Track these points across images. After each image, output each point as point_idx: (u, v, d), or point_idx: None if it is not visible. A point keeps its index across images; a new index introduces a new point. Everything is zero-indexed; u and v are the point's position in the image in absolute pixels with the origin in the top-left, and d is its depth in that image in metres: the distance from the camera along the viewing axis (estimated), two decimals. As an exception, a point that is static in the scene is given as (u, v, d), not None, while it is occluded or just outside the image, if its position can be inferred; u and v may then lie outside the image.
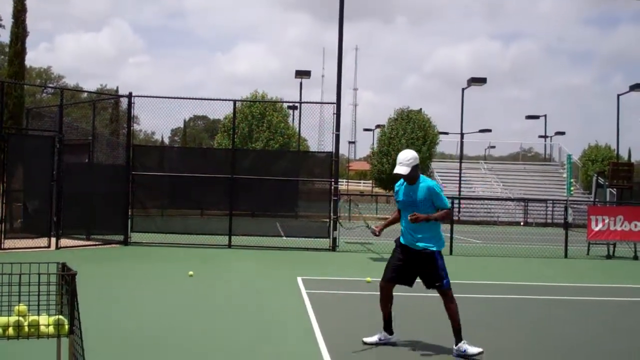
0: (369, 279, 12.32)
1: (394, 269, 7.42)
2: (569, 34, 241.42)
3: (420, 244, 7.19)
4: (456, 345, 7.07)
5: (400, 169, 7.22)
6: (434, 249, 7.20)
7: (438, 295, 7.21)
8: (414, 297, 9.63)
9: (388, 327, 7.50)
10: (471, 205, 43.48)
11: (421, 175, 7.36)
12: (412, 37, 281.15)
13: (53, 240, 16.47)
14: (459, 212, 39.26)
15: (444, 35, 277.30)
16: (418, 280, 7.41)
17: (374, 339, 7.42)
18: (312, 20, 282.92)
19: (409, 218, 7.09)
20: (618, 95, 40.01)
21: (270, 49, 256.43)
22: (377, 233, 7.57)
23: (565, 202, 22.39)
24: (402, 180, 7.45)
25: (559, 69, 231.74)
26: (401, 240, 7.41)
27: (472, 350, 7.00)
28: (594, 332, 8.71)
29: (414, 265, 7.29)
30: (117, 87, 60.29)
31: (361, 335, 7.74)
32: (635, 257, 19.18)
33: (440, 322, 7.74)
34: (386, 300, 7.48)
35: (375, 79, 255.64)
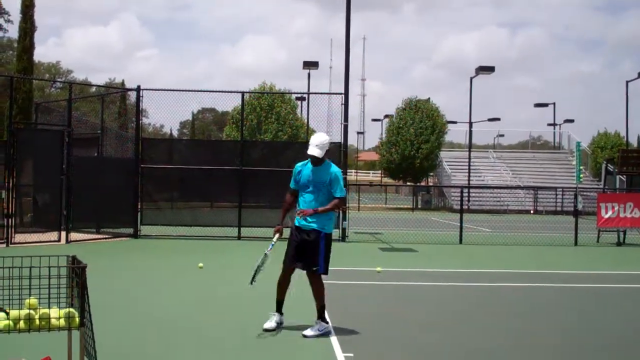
0: (379, 268, 12.33)
1: (292, 256, 7.53)
2: (577, 21, 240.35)
3: (312, 225, 7.40)
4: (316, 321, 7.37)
5: (315, 151, 7.34)
6: (323, 231, 7.43)
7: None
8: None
9: (280, 309, 7.63)
10: (480, 194, 43.40)
11: (327, 160, 7.53)
12: (419, 27, 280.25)
13: (63, 234, 16.52)
14: (468, 201, 39.21)
15: (452, 24, 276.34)
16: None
17: (272, 324, 7.46)
18: (319, 11, 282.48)
19: (297, 214, 7.35)
20: (627, 82, 39.82)
21: (278, 41, 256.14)
22: (281, 232, 7.67)
23: (574, 189, 22.33)
24: (306, 161, 7.57)
25: (567, 57, 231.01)
26: (296, 222, 7.55)
27: (311, 332, 7.24)
28: (604, 319, 8.69)
29: (304, 244, 7.45)
30: (123, 80, 60.33)
31: (372, 325, 7.75)
32: (646, 244, 19.13)
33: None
34: (285, 286, 7.66)
35: (383, 69, 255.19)
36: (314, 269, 7.38)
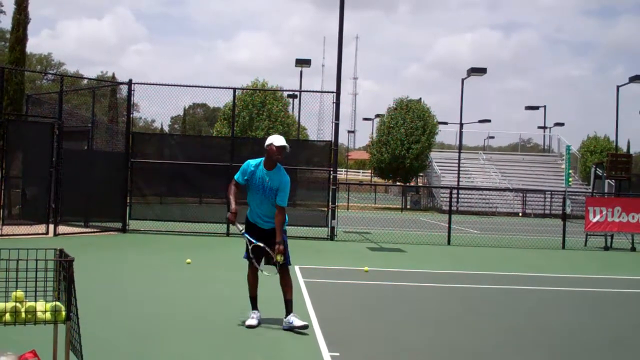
0: (366, 268, 12.35)
1: (257, 255, 7.59)
2: (570, 25, 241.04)
3: (270, 225, 7.50)
4: (286, 317, 7.42)
5: (286, 144, 7.45)
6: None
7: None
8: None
9: (256, 305, 7.68)
10: (470, 196, 43.52)
11: (279, 165, 7.56)
12: (413, 27, 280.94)
13: (51, 227, 16.47)
14: (457, 202, 39.29)
15: (445, 25, 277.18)
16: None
17: (254, 321, 7.49)
18: (314, 9, 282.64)
19: (277, 259, 7.38)
20: (617, 87, 39.96)
21: (272, 37, 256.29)
22: (235, 220, 7.65)
23: (563, 193, 22.42)
24: (258, 161, 7.58)
25: (559, 60, 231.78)
26: (250, 219, 7.70)
27: (298, 322, 7.31)
28: (591, 323, 8.73)
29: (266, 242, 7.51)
30: (113, 74, 60.13)
31: (359, 324, 7.77)
32: (633, 249, 19.21)
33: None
34: (256, 281, 7.73)
35: (376, 68, 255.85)
36: (284, 263, 7.48)
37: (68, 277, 4.40)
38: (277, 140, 7.47)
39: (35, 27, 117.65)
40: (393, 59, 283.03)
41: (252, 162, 7.61)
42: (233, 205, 7.55)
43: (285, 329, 7.33)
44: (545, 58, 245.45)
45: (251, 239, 7.55)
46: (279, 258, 7.35)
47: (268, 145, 7.52)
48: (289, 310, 7.45)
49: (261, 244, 7.49)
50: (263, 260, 7.58)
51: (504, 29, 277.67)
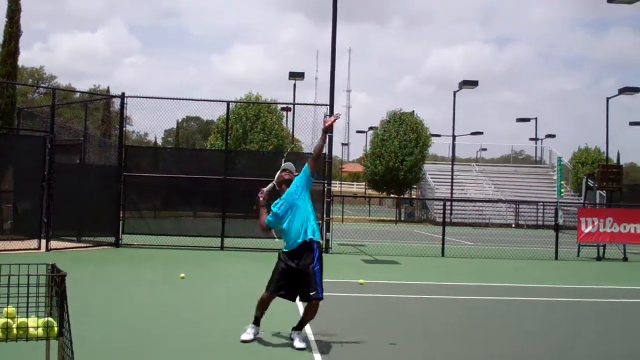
0: (361, 280, 12.32)
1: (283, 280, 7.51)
2: (562, 39, 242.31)
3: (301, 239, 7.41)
4: (292, 330, 7.46)
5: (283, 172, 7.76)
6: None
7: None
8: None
9: (258, 323, 7.58)
10: (463, 207, 43.58)
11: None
12: (406, 40, 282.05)
13: (43, 242, 16.37)
14: (450, 214, 39.34)
15: (439, 38, 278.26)
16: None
17: (249, 336, 7.41)
18: (308, 22, 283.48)
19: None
20: (607, 99, 40.16)
21: (266, 51, 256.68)
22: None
23: (555, 204, 22.45)
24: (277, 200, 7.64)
25: (551, 73, 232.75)
26: (287, 249, 7.52)
27: (298, 344, 7.21)
28: (585, 333, 8.73)
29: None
30: (108, 87, 59.94)
31: (353, 337, 7.74)
32: (625, 259, 19.24)
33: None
34: (265, 308, 7.63)
35: (369, 81, 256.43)
36: (312, 294, 7.25)
37: (60, 292, 4.36)
38: (288, 167, 7.84)
39: (27, 40, 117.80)
40: (386, 72, 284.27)
41: (274, 204, 7.64)
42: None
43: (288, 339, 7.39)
44: (537, 71, 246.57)
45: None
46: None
47: (279, 175, 7.79)
48: (298, 328, 7.43)
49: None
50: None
51: (496, 42, 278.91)
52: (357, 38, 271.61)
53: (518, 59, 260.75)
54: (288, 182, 7.60)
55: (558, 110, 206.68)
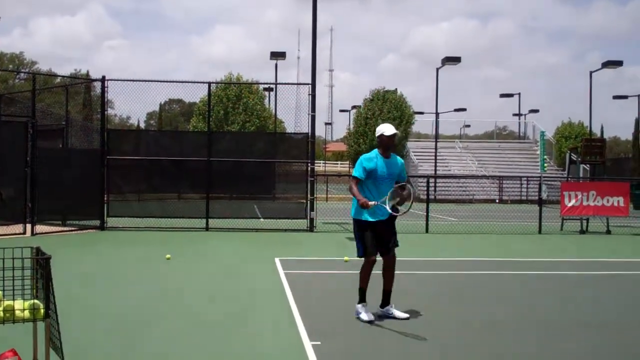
0: (346, 257, 12.39)
1: (375, 242, 7.64)
2: (545, 12, 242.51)
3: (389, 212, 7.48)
4: (384, 307, 7.82)
5: (393, 131, 7.69)
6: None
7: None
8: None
9: (364, 298, 7.75)
10: (447, 184, 43.70)
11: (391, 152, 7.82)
12: (388, 17, 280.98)
13: (28, 226, 16.34)
14: (434, 190, 39.50)
15: (421, 14, 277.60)
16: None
17: (369, 315, 7.59)
18: (289, 1, 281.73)
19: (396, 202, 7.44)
20: (591, 72, 40.29)
21: (247, 31, 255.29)
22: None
23: (539, 178, 22.60)
24: (374, 154, 7.74)
25: (534, 48, 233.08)
26: (372, 217, 7.58)
27: (399, 314, 7.67)
28: (569, 304, 8.84)
29: (383, 231, 7.66)
30: (88, 71, 59.62)
31: (339, 314, 7.81)
32: (608, 232, 19.42)
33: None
34: (368, 276, 7.77)
35: (351, 59, 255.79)
36: (391, 245, 7.72)
37: (45, 274, 4.39)
38: (387, 129, 7.69)
39: (6, 25, 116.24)
40: (369, 49, 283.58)
41: (367, 155, 7.74)
42: (364, 199, 7.48)
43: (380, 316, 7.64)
44: (520, 46, 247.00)
45: (382, 204, 7.45)
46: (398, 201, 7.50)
47: (379, 136, 7.74)
48: (386, 301, 7.76)
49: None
50: (389, 198, 7.47)
51: (479, 17, 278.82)
52: (338, 17, 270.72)
53: (501, 33, 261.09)
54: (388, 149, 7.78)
55: (541, 85, 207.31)
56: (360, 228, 7.64)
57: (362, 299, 7.69)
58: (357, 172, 7.69)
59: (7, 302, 4.43)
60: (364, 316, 7.53)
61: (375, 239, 7.58)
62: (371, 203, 7.38)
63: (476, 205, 35.05)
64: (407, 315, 7.63)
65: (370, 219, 7.55)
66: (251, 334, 6.90)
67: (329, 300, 8.75)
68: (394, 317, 7.60)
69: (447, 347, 6.54)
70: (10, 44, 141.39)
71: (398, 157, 7.84)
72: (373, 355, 6.23)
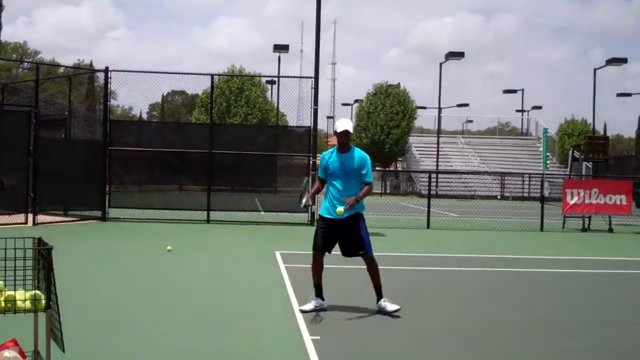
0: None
1: (325, 244, 7.69)
2: (549, 8, 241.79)
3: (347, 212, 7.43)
4: (378, 302, 7.68)
5: (346, 128, 7.52)
6: (361, 211, 7.68)
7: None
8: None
9: (320, 294, 7.77)
10: (449, 180, 43.71)
11: (352, 145, 7.71)
12: (392, 11, 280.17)
13: (30, 216, 16.37)
14: (436, 186, 39.48)
15: (425, 9, 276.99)
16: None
17: (310, 306, 7.61)
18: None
19: (340, 210, 7.30)
20: (595, 70, 40.25)
21: (251, 23, 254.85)
22: (310, 204, 7.86)
23: (541, 175, 22.58)
24: (331, 150, 7.72)
25: (538, 44, 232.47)
26: (325, 213, 7.64)
27: (392, 307, 7.57)
28: (569, 302, 8.84)
29: (340, 232, 7.61)
30: (91, 62, 59.52)
31: (338, 307, 7.81)
32: (610, 230, 19.40)
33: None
34: (320, 269, 7.77)
35: (355, 53, 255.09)
36: (361, 252, 7.61)
37: (47, 265, 4.38)
38: (338, 126, 7.59)
39: (10, 15, 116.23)
40: (372, 44, 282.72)
41: (326, 152, 7.78)
42: (310, 200, 7.90)
43: (377, 312, 7.60)
44: (524, 42, 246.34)
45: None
46: (339, 210, 7.31)
47: (335, 133, 7.71)
48: (379, 296, 7.69)
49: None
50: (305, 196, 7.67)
51: (483, 12, 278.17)
52: (342, 10, 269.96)
53: (505, 29, 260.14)
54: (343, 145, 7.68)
55: (545, 82, 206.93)
56: (318, 222, 7.76)
57: (316, 294, 7.73)
58: (318, 172, 7.88)
59: (8, 293, 4.42)
60: (303, 307, 7.61)
61: (328, 236, 7.62)
62: (303, 201, 7.86)
63: (478, 202, 35.09)
64: (396, 307, 7.53)
65: (324, 215, 7.64)
66: (251, 328, 6.90)
67: (329, 295, 8.73)
68: (385, 311, 7.54)
69: (447, 344, 6.53)
70: (14, 33, 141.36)
71: (359, 153, 7.66)
72: (373, 350, 6.23)
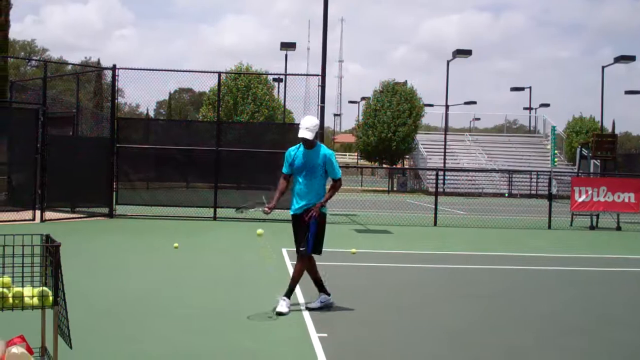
0: (353, 250, 12.37)
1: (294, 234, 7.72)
2: (557, 6, 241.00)
3: (310, 205, 7.53)
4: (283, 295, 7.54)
5: (306, 134, 7.47)
6: (325, 210, 7.68)
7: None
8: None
9: (324, 289, 7.80)
10: (456, 177, 43.65)
11: (318, 142, 7.68)
12: (399, 9, 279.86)
13: (38, 213, 16.40)
14: (444, 184, 39.44)
15: (432, 6, 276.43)
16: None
17: (315, 304, 7.65)
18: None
19: (305, 217, 7.43)
20: (603, 67, 40.11)
21: (258, 21, 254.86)
22: (269, 211, 7.68)
23: (549, 173, 22.52)
24: (297, 145, 7.70)
25: (546, 41, 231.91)
26: (291, 211, 7.69)
27: (280, 307, 7.39)
28: (576, 301, 8.82)
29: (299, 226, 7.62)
30: (99, 59, 59.70)
31: (346, 306, 7.81)
32: (618, 228, 19.34)
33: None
34: (315, 267, 7.79)
35: (361, 51, 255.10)
36: (302, 249, 7.53)
37: (55, 262, 4.39)
38: (300, 131, 7.53)
39: (18, 13, 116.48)
40: (379, 41, 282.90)
41: (292, 148, 7.77)
42: (274, 203, 7.67)
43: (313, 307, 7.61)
44: (532, 39, 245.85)
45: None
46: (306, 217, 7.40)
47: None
48: (320, 289, 7.76)
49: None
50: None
51: (491, 10, 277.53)
52: (349, 8, 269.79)
53: (513, 26, 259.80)
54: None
55: (553, 79, 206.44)
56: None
57: (320, 289, 7.79)
58: (283, 168, 7.83)
59: (16, 289, 4.43)
60: (310, 305, 7.67)
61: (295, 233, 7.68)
62: (268, 207, 7.63)
63: (485, 199, 35.00)
64: (319, 304, 7.57)
65: (291, 212, 7.72)
66: (258, 325, 6.90)
67: (336, 292, 8.73)
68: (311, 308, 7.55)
69: (454, 340, 6.52)
70: (22, 31, 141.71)
71: (324, 150, 7.63)
72: (379, 347, 6.22)
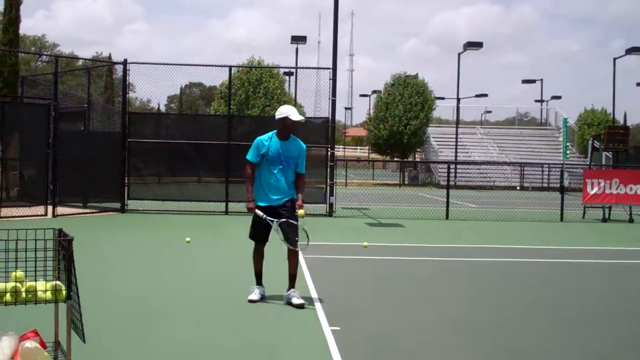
0: (365, 243, 12.38)
1: (265, 228, 7.57)
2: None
3: (284, 199, 7.45)
4: (287, 291, 7.52)
5: (300, 117, 7.51)
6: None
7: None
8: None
9: (261, 281, 7.75)
10: (467, 170, 43.54)
11: (291, 134, 7.59)
12: (410, 1, 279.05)
13: (50, 208, 16.47)
14: (455, 176, 39.36)
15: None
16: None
17: (256, 296, 7.57)
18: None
19: (301, 212, 7.43)
20: (614, 59, 39.87)
21: (269, 15, 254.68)
22: (254, 208, 7.61)
23: (561, 166, 22.44)
24: (270, 134, 7.60)
25: (557, 34, 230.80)
26: (262, 203, 7.53)
27: (296, 300, 7.35)
28: (591, 293, 8.78)
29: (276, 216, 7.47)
30: (110, 54, 59.82)
31: (358, 299, 7.80)
32: (631, 220, 19.25)
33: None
34: (261, 260, 7.80)
35: (372, 44, 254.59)
36: (301, 244, 7.55)
37: (68, 256, 4.39)
38: (293, 114, 7.47)
39: (29, 8, 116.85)
40: (390, 34, 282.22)
41: (262, 137, 7.59)
42: (251, 195, 7.57)
43: (285, 303, 7.44)
44: (543, 32, 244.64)
45: (272, 219, 7.44)
46: (301, 212, 7.39)
47: (283, 118, 7.49)
48: (290, 286, 7.54)
49: (274, 220, 7.44)
50: (280, 233, 7.45)
51: (502, 3, 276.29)
52: (360, 1, 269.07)
53: (524, 19, 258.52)
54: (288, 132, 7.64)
55: (564, 72, 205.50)
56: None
57: (257, 282, 7.73)
58: (250, 154, 7.57)
59: (29, 283, 4.44)
60: (250, 296, 7.55)
61: (263, 225, 7.52)
62: (259, 212, 7.46)
63: (496, 192, 34.92)
64: (302, 301, 7.34)
65: (262, 203, 7.53)
66: (270, 319, 6.89)
67: (348, 286, 8.74)
68: (291, 304, 7.37)
69: (465, 334, 6.50)
70: (33, 26, 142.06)
71: (300, 142, 7.61)
72: (392, 341, 6.21)
